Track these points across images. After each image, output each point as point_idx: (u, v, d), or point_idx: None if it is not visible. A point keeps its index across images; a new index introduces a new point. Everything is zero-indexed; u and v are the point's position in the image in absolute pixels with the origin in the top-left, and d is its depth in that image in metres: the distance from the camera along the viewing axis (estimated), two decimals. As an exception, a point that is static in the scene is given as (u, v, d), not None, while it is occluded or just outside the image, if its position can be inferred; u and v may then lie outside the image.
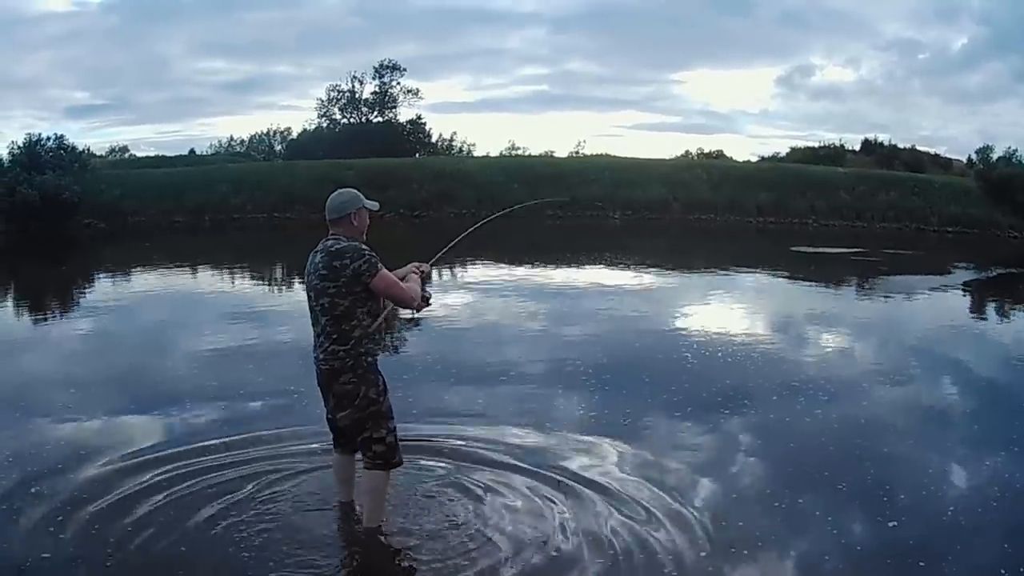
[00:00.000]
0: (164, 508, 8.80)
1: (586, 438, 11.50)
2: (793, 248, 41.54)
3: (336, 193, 8.18)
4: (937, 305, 26.54)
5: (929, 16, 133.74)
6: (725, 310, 23.78)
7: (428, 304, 8.39)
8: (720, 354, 17.16)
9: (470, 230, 10.00)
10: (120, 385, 14.16)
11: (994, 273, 36.22)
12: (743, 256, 39.14)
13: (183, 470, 9.86)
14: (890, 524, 9.06)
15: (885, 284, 30.58)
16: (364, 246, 7.91)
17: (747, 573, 8.02)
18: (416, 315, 8.69)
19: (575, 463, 10.51)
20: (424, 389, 13.58)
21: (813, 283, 30.84)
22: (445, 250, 9.40)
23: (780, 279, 31.34)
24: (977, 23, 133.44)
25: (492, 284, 27.41)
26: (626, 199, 53.57)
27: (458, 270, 30.56)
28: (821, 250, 40.90)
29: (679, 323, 20.98)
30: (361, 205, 8.13)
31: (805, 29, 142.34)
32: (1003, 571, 8.11)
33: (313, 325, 8.06)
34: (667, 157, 75.93)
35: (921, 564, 8.19)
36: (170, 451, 10.53)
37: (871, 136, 79.56)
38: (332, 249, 7.82)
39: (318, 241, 8.09)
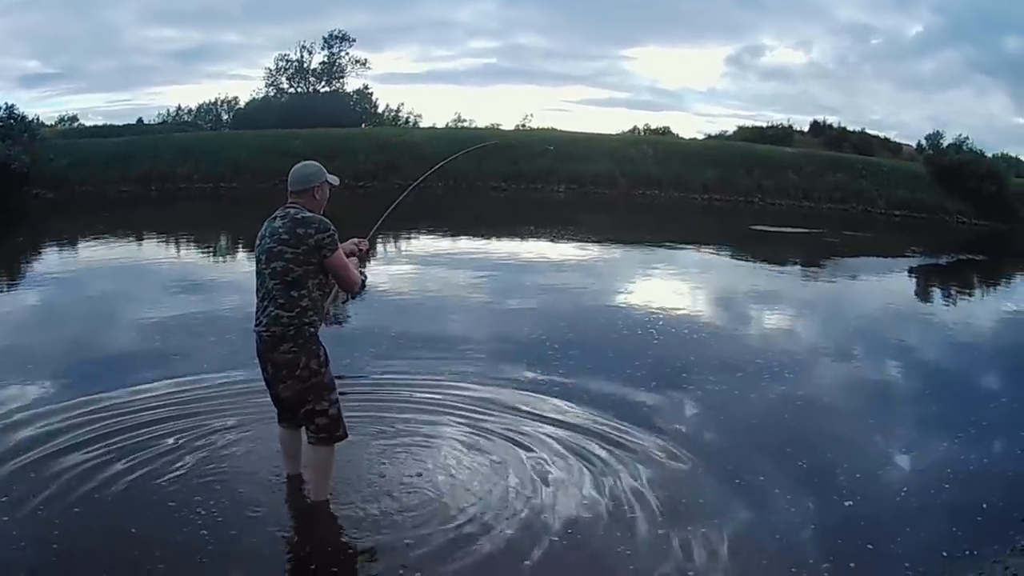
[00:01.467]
0: (111, 484, 8.65)
1: (546, 410, 11.53)
2: (753, 227, 41.99)
3: (301, 165, 8.10)
4: (898, 288, 27.26)
5: (884, 2, 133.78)
6: (693, 288, 23.73)
7: (365, 288, 8.36)
8: (687, 330, 17.28)
9: (404, 194, 10.03)
10: (68, 354, 13.91)
11: (953, 258, 36.45)
12: (704, 234, 39.45)
13: (128, 443, 9.68)
14: (846, 503, 9.23)
15: (848, 266, 31.39)
16: (328, 220, 7.84)
17: (701, 548, 8.05)
18: (354, 298, 8.59)
19: (533, 435, 10.58)
20: (379, 358, 13.79)
21: (777, 263, 31.14)
22: (380, 221, 9.37)
23: (745, 258, 31.47)
24: (933, 12, 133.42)
25: (453, 257, 27.63)
26: (572, 173, 53.31)
27: (413, 243, 30.79)
28: (780, 229, 41.43)
29: (646, 300, 20.85)
30: (324, 179, 8.07)
31: (757, 9, 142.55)
32: (944, 553, 8.25)
33: (258, 290, 7.92)
34: (614, 132, 75.91)
35: (869, 547, 8.27)
36: (115, 423, 10.32)
37: (820, 118, 79.55)
38: (297, 216, 7.74)
39: (274, 210, 7.99)
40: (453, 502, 8.62)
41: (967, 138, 58.25)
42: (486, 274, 23.57)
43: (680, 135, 78.65)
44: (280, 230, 7.70)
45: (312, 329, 7.88)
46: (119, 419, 10.44)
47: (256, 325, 7.88)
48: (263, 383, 8.30)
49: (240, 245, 27.89)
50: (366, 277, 8.35)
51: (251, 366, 9.26)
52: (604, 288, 22.52)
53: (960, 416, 12.49)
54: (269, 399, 8.48)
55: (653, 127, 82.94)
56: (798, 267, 31.14)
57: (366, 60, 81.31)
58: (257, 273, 7.90)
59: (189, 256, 27.67)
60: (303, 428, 8.30)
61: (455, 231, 34.38)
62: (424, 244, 31.06)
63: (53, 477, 8.77)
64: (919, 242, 40.69)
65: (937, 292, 27.29)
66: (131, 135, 59.54)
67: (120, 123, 72.10)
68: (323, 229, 7.69)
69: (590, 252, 30.98)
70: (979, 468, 10.51)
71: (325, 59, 79.97)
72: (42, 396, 11.50)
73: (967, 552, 8.29)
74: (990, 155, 56.05)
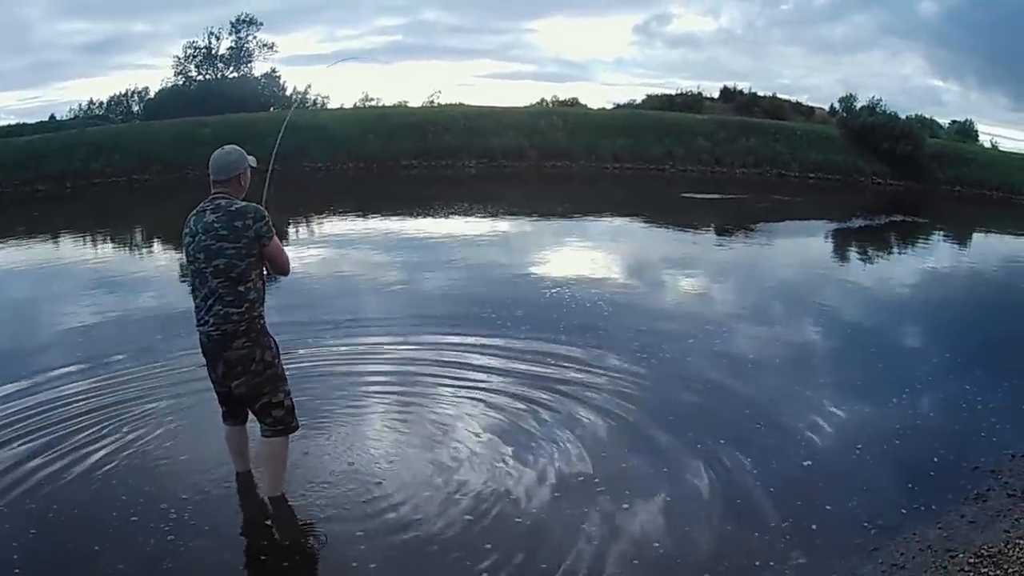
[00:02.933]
0: (63, 495, 8.36)
1: (496, 384, 11.60)
2: (684, 195, 42.44)
3: (222, 152, 7.81)
4: (838, 252, 28.19)
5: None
6: (642, 259, 23.72)
7: None
8: (638, 300, 17.70)
9: (273, 157, 9.39)
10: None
11: (886, 220, 37.22)
12: (638, 204, 39.78)
13: (64, 448, 9.39)
14: (804, 463, 9.43)
15: (784, 230, 32.08)
16: (261, 207, 7.70)
17: (663, 515, 8.22)
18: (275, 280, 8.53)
19: (488, 412, 10.65)
20: (312, 343, 13.51)
21: (715, 230, 31.60)
22: (266, 192, 8.70)
23: (686, 227, 31.56)
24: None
25: (378, 239, 27.15)
26: (481, 148, 52.98)
27: (328, 226, 30.53)
28: (709, 196, 41.77)
29: (595, 272, 20.90)
30: (247, 163, 7.83)
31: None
32: (903, 511, 8.42)
33: (197, 289, 7.70)
34: (522, 105, 75.75)
35: (828, 507, 8.42)
36: (49, 431, 9.90)
37: (730, 84, 79.71)
38: (231, 208, 7.53)
39: (194, 200, 7.81)
40: (408, 488, 8.59)
41: (880, 100, 59.26)
42: (425, 255, 23.29)
43: (589, 105, 78.65)
44: (216, 225, 7.49)
45: (262, 321, 7.81)
46: (51, 424, 10.11)
47: (201, 324, 7.71)
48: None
49: (159, 239, 27.53)
50: None
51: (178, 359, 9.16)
52: (552, 262, 22.43)
53: (906, 373, 12.88)
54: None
55: (561, 99, 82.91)
56: (738, 233, 31.34)
57: (273, 44, 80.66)
58: (196, 272, 7.65)
59: (112, 252, 27.08)
60: (255, 424, 8.21)
61: (371, 212, 33.86)
62: (341, 227, 30.78)
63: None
64: (849, 204, 41.95)
65: (879, 255, 27.92)
66: (45, 132, 58.63)
67: (33, 121, 71.12)
68: (260, 218, 7.55)
69: (531, 226, 31.15)
70: (927, 422, 10.85)
71: (233, 44, 79.33)
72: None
73: (924, 506, 8.49)
74: (904, 117, 57.00)
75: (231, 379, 7.82)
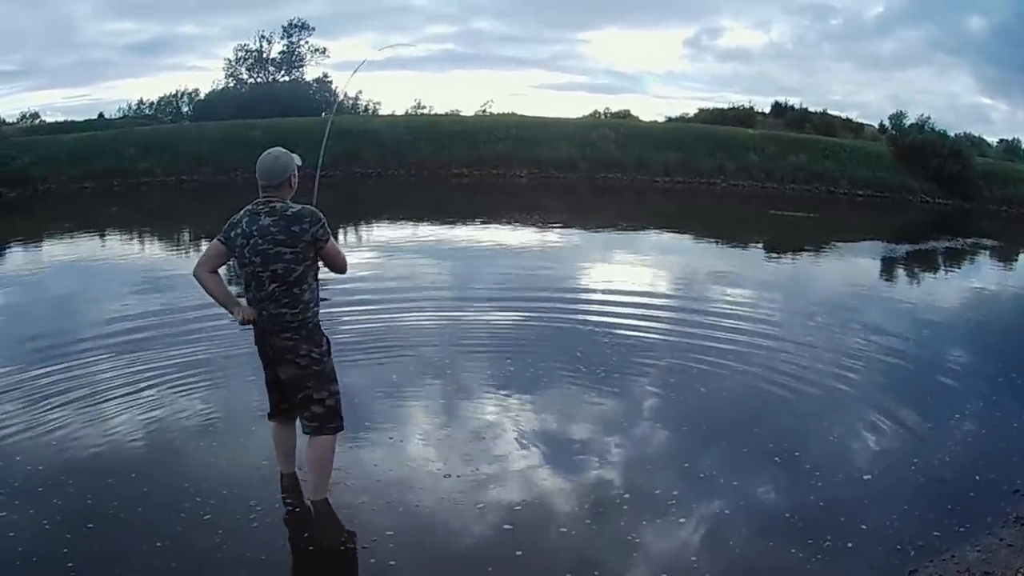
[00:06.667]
0: (113, 493, 8.44)
1: (553, 404, 11.50)
2: (773, 212, 42.49)
3: (270, 158, 7.72)
4: (909, 271, 28.33)
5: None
6: (777, 280, 23.97)
7: None
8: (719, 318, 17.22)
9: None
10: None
11: (968, 242, 36.62)
12: (729, 221, 40.20)
13: (108, 439, 9.70)
14: (864, 477, 9.44)
15: (870, 250, 32.52)
16: (316, 209, 7.73)
17: (705, 528, 8.22)
18: None
19: (500, 423, 10.66)
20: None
21: (815, 248, 32.17)
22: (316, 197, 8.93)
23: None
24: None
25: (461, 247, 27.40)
26: (533, 158, 53.25)
27: (397, 233, 30.33)
28: (796, 214, 42.01)
29: (719, 294, 20.62)
30: (295, 165, 7.76)
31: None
32: (942, 532, 8.30)
33: (253, 291, 7.74)
34: (574, 116, 75.84)
35: (863, 527, 8.32)
36: (94, 425, 10.17)
37: (781, 99, 79.65)
38: (288, 213, 7.56)
39: (242, 202, 7.84)
40: (448, 496, 8.64)
41: (929, 118, 59.11)
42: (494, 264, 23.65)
43: (640, 118, 78.75)
44: (273, 229, 7.52)
45: (315, 320, 7.88)
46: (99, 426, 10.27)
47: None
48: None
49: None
50: None
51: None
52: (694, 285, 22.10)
53: (971, 392, 12.83)
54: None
55: (613, 110, 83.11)
56: (816, 252, 31.51)
57: (325, 48, 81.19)
58: (252, 275, 7.68)
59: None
60: (298, 420, 8.24)
61: (438, 219, 33.72)
62: (408, 233, 30.40)
63: (43, 485, 8.61)
64: (916, 224, 42.57)
65: (961, 276, 27.69)
66: (93, 130, 58.88)
67: (80, 119, 71.42)
68: (316, 221, 7.59)
69: (649, 239, 31.74)
70: (977, 442, 10.77)
71: (284, 48, 79.81)
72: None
73: (962, 528, 8.39)
74: (952, 135, 56.88)
75: (278, 363, 7.92)
